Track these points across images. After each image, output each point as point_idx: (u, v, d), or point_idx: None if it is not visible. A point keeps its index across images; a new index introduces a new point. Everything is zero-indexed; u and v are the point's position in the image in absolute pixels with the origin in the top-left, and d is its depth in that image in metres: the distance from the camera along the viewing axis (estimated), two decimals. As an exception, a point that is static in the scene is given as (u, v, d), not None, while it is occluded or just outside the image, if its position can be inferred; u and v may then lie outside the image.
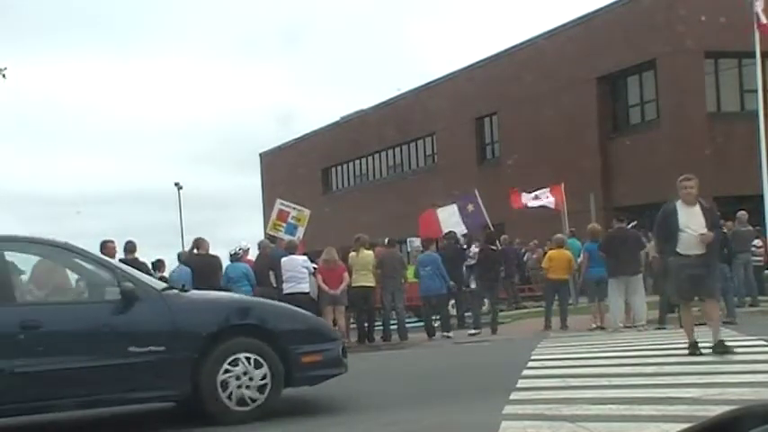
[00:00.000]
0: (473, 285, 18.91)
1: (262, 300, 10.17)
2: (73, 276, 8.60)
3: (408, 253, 25.90)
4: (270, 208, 49.94)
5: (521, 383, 9.19)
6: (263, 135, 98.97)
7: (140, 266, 16.07)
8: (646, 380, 9.16)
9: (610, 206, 27.10)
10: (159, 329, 7.91)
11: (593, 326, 16.60)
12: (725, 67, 28.07)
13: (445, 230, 20.53)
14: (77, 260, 8.38)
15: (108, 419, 8.91)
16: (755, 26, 19.63)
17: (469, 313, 19.11)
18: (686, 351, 10.65)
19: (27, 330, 7.51)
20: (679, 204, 10.30)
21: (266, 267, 16.83)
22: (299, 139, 49.51)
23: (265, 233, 21.34)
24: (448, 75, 38.04)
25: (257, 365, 8.03)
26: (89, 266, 8.34)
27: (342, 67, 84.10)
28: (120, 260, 15.73)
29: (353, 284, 16.80)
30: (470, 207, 22.68)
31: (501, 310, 19.87)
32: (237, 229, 55.26)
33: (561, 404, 7.62)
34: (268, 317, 8.40)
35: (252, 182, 54.24)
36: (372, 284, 17.10)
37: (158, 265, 18.48)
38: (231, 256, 18.02)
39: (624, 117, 30.47)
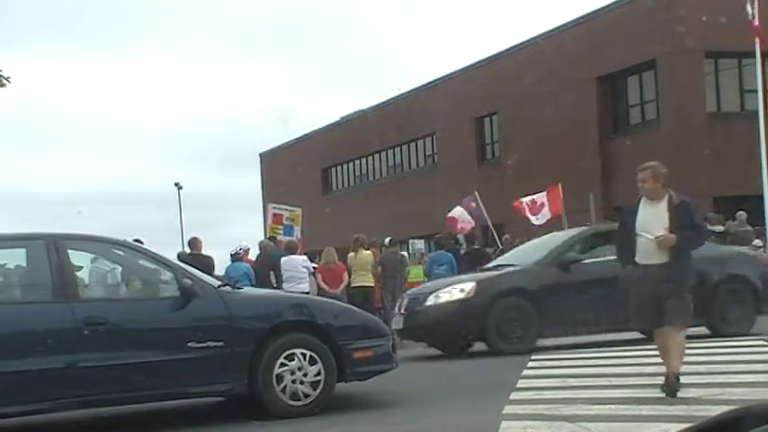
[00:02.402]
0: None
1: (314, 297, 10.56)
2: (134, 273, 8.77)
3: (410, 254, 25.88)
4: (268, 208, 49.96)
5: (521, 383, 9.19)
6: (263, 135, 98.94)
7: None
8: (646, 380, 9.16)
9: (610, 206, 27.06)
10: (217, 325, 8.10)
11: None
12: (725, 67, 28.06)
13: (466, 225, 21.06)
14: (138, 257, 8.64)
15: (108, 419, 8.91)
16: (750, 27, 19.65)
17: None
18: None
19: (91, 326, 7.68)
20: (642, 201, 8.21)
21: (266, 267, 16.82)
22: (299, 139, 49.50)
23: (265, 235, 21.41)
24: (448, 75, 38.03)
25: (312, 362, 8.20)
26: (149, 264, 8.56)
27: (342, 67, 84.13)
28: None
29: (353, 284, 16.81)
30: (473, 204, 22.85)
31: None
32: (237, 229, 55.29)
33: (561, 404, 7.62)
34: (321, 313, 8.58)
35: (252, 182, 54.25)
36: (372, 284, 17.12)
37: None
38: (232, 255, 18.01)
39: (624, 117, 30.47)
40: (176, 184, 47.99)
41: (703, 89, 27.73)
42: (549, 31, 32.31)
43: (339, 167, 47.64)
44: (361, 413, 8.41)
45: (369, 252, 17.53)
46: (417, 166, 41.49)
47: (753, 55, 20.48)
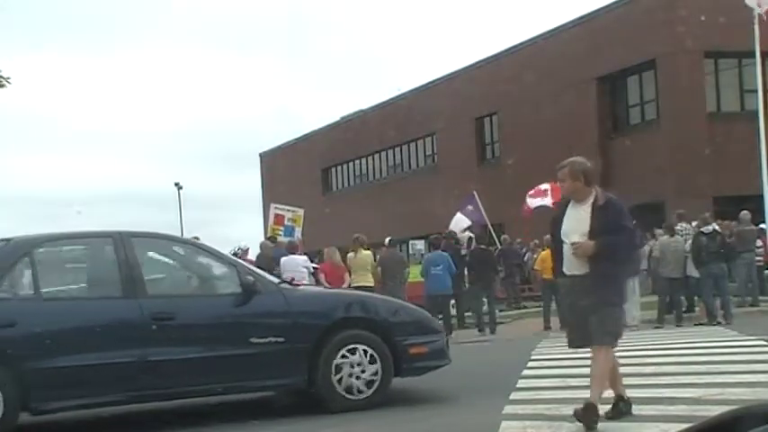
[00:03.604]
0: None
1: (371, 294, 10.90)
2: (198, 270, 8.95)
3: (410, 255, 25.90)
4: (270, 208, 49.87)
5: (521, 383, 9.20)
6: (263, 135, 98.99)
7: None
8: (646, 380, 9.16)
9: (610, 206, 27.05)
10: (278, 321, 8.32)
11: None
12: (725, 67, 28.06)
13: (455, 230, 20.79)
14: (202, 255, 8.89)
15: (108, 419, 8.91)
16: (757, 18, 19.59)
17: (470, 313, 19.15)
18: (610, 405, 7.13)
19: (159, 321, 7.91)
20: (570, 204, 7.15)
21: (266, 267, 16.82)
22: (299, 139, 49.50)
23: (265, 235, 21.45)
24: (448, 75, 38.03)
25: (369, 358, 8.37)
26: (211, 261, 8.80)
27: (342, 67, 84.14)
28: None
29: (353, 284, 16.81)
30: (470, 207, 22.82)
31: (501, 310, 19.90)
32: (237, 229, 55.28)
33: (561, 404, 7.62)
34: (378, 309, 8.80)
35: (252, 182, 54.25)
36: (372, 284, 17.12)
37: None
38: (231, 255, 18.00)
39: (624, 117, 30.46)
40: (176, 184, 48.03)
41: (703, 89, 27.72)
42: (549, 31, 32.30)
43: (339, 167, 47.64)
44: (360, 413, 8.40)
45: (368, 252, 17.54)
46: (417, 166, 41.49)
47: (753, 55, 20.49)
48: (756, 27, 19.73)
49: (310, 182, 47.71)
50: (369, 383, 8.39)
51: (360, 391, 8.38)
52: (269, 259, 17.16)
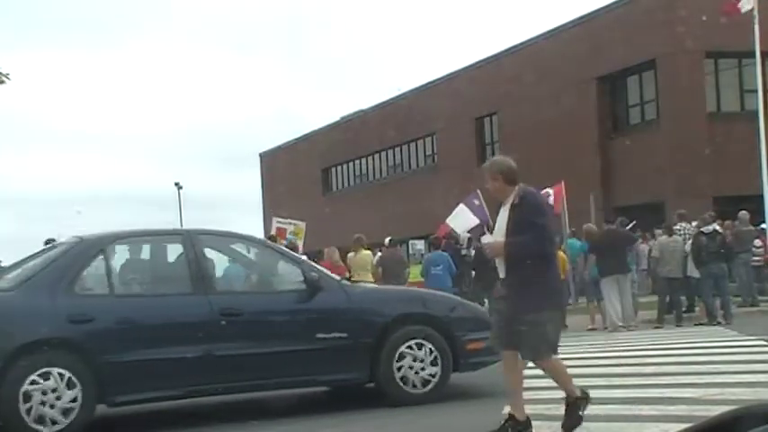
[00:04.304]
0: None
1: (429, 290, 11.14)
2: (264, 267, 9.16)
3: (410, 255, 25.87)
4: (270, 208, 50.02)
5: (521, 383, 9.18)
6: (263, 135, 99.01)
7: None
8: (646, 380, 9.17)
9: (610, 206, 27.07)
10: (342, 317, 8.52)
11: (591, 326, 16.69)
12: (725, 67, 28.05)
13: (459, 231, 20.66)
14: (267, 252, 9.25)
15: (108, 419, 8.90)
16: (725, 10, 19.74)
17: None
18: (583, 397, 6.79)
19: (228, 317, 8.09)
20: (501, 205, 6.86)
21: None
22: (299, 139, 49.49)
23: (265, 234, 21.44)
24: (448, 75, 38.02)
25: (431, 354, 8.51)
26: (276, 258, 9.09)
27: (342, 67, 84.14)
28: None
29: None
30: (476, 202, 22.74)
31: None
32: (237, 229, 55.02)
33: (561, 404, 7.60)
34: (437, 306, 9.04)
35: (252, 182, 54.25)
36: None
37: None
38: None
39: (624, 117, 30.45)
40: (176, 184, 48.04)
41: (703, 89, 27.71)
42: (549, 31, 32.30)
43: (339, 167, 47.63)
44: (361, 413, 8.41)
45: (368, 252, 17.55)
46: (417, 166, 41.48)
47: (753, 55, 20.49)
48: (756, 27, 19.74)
49: (310, 182, 47.71)
50: (428, 379, 8.55)
51: (420, 386, 8.53)
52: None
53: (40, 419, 7.48)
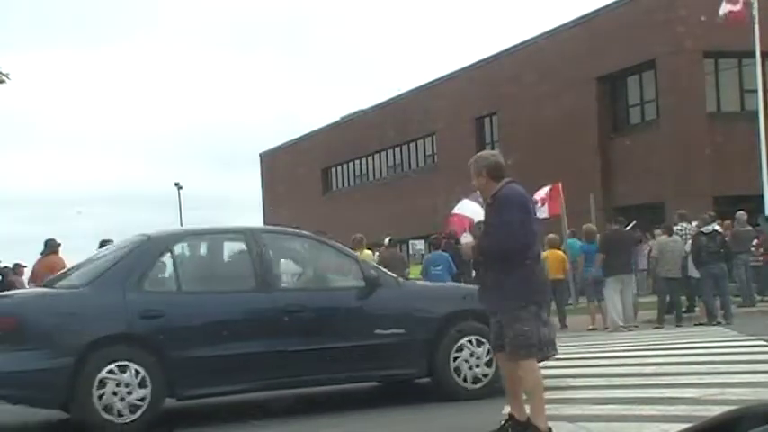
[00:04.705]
0: None
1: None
2: (324, 264, 9.32)
3: (410, 255, 25.88)
4: (270, 208, 49.97)
5: (521, 383, 9.18)
6: (263, 135, 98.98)
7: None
8: (646, 380, 9.17)
9: (610, 206, 27.07)
10: (400, 313, 8.68)
11: (591, 326, 16.70)
12: (725, 67, 28.04)
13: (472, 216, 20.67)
14: (328, 251, 9.31)
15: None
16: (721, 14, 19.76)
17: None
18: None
19: (290, 314, 8.26)
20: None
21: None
22: (299, 139, 49.48)
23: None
24: (448, 75, 38.02)
25: (481, 345, 8.64)
26: (336, 256, 9.22)
27: (342, 67, 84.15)
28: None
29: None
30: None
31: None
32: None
33: (561, 404, 7.62)
34: None
35: (252, 182, 54.25)
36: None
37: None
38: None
39: (624, 117, 30.45)
40: (176, 184, 48.01)
41: (703, 89, 27.71)
42: (549, 31, 32.29)
43: (339, 167, 47.63)
44: (361, 413, 8.41)
45: (369, 252, 17.53)
46: (417, 166, 41.48)
47: (753, 55, 20.50)
48: (756, 27, 19.75)
49: (310, 182, 47.70)
50: (484, 374, 8.68)
51: (476, 381, 8.67)
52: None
53: (110, 409, 7.69)
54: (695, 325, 16.17)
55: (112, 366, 7.73)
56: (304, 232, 9.60)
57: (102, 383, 7.68)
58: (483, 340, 8.57)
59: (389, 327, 8.54)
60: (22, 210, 63.25)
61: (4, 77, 20.44)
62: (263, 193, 52.83)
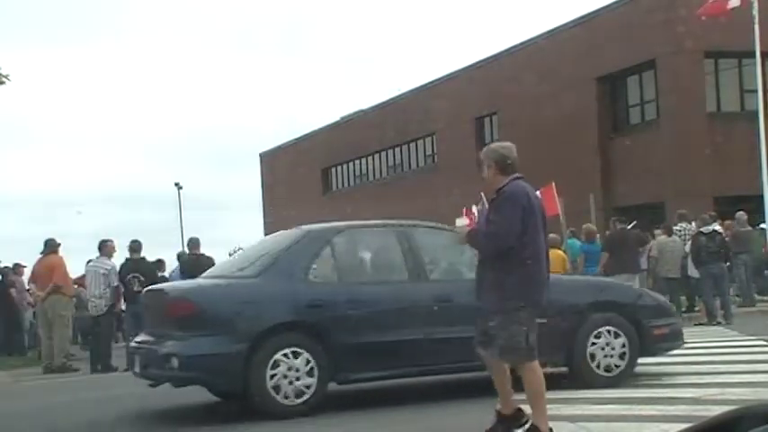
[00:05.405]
0: None
1: (616, 281, 11.88)
2: (468, 257, 9.47)
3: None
4: (270, 208, 49.93)
5: (521, 383, 9.19)
6: (263, 135, 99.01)
7: (148, 266, 16.01)
8: (646, 380, 9.18)
9: (610, 206, 27.06)
10: None
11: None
12: (725, 67, 28.04)
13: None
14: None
15: (109, 419, 8.91)
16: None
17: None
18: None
19: (440, 303, 8.71)
20: None
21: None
22: (299, 139, 49.49)
23: (265, 234, 21.39)
24: (448, 75, 38.01)
25: (616, 336, 9.02)
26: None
27: (342, 67, 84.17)
28: (127, 260, 15.67)
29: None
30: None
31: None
32: (237, 229, 55.32)
33: (561, 404, 7.62)
34: (624, 294, 9.71)
35: (252, 182, 54.27)
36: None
37: (158, 265, 18.44)
38: (230, 256, 18.02)
39: (624, 117, 30.45)
40: (176, 184, 47.99)
41: (703, 89, 27.70)
42: (548, 31, 32.29)
43: (339, 167, 47.63)
44: (361, 413, 8.41)
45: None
46: (417, 166, 41.47)
47: (753, 55, 20.48)
48: (756, 27, 19.74)
49: (310, 182, 47.70)
50: (616, 364, 9.00)
51: (609, 370, 8.98)
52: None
53: (279, 392, 8.18)
54: (695, 325, 16.17)
55: (286, 351, 8.22)
56: (448, 227, 10.04)
57: (274, 368, 8.16)
58: (619, 332, 9.02)
59: None
60: (22, 210, 63.27)
61: (4, 79, 20.41)
62: (263, 193, 52.84)
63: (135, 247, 15.66)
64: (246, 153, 76.28)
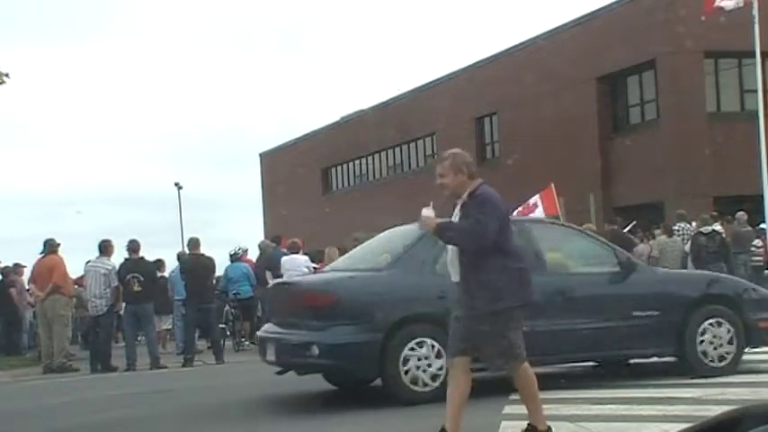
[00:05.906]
0: None
1: (724, 275, 12.30)
2: (584, 251, 10.02)
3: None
4: (270, 208, 49.92)
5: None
6: (263, 135, 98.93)
7: (147, 266, 16.01)
8: (646, 380, 9.18)
9: (609, 206, 27.07)
10: (654, 296, 9.42)
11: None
12: (725, 67, 28.03)
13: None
14: (586, 239, 10.25)
15: (109, 419, 8.92)
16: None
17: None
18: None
19: (562, 295, 9.04)
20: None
21: (268, 267, 16.82)
22: (299, 139, 49.47)
23: (265, 236, 21.42)
24: (448, 75, 38.00)
25: (723, 326, 9.34)
26: (593, 243, 10.09)
27: (342, 67, 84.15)
28: (126, 260, 15.67)
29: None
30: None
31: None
32: (237, 229, 55.19)
33: (561, 404, 7.63)
34: (732, 288, 10.00)
35: (252, 182, 54.17)
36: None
37: (158, 265, 18.43)
38: (231, 256, 18.02)
39: (624, 117, 30.44)
40: (176, 184, 47.95)
41: (703, 89, 27.69)
42: (548, 32, 32.28)
43: (339, 167, 47.62)
44: (361, 413, 8.41)
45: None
46: (417, 165, 41.44)
47: (753, 55, 20.47)
48: (756, 27, 19.73)
49: (310, 182, 47.69)
50: (724, 355, 9.28)
51: (717, 361, 9.25)
52: (269, 259, 17.17)
53: (415, 380, 8.54)
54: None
55: (416, 341, 8.58)
56: (564, 223, 10.69)
57: (407, 358, 8.54)
58: (725, 322, 9.31)
59: (646, 309, 9.23)
60: (22, 210, 63.19)
61: (3, 78, 20.39)
62: (263, 193, 52.82)
63: (133, 246, 15.65)
64: (246, 153, 76.11)
